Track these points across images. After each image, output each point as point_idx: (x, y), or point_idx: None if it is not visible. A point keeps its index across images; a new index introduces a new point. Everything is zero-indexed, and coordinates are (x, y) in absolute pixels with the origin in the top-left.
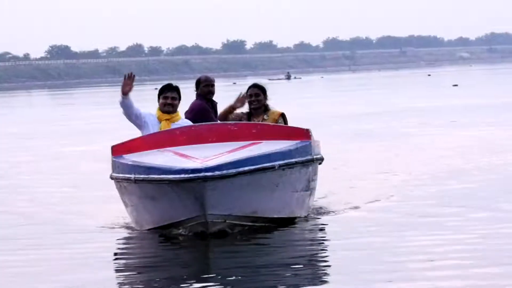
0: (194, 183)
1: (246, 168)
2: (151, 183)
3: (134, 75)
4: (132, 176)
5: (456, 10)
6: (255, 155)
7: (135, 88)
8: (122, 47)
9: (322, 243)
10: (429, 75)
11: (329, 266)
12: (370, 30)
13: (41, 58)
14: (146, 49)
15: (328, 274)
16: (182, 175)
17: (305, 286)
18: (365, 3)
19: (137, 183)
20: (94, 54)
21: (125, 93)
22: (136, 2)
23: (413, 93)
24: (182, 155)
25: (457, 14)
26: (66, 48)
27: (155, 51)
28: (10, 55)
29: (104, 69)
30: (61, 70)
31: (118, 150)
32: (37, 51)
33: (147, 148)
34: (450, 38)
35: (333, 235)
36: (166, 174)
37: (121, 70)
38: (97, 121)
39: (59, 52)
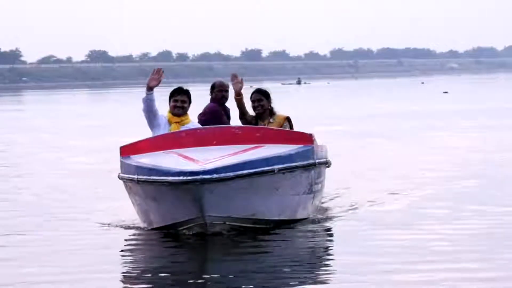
0: (192, 185)
1: (244, 172)
2: (152, 184)
3: (162, 71)
4: (135, 177)
5: (447, 26)
6: (254, 159)
7: (164, 90)
8: (153, 53)
9: (324, 243)
10: (422, 83)
11: (331, 266)
12: (371, 42)
13: (82, 61)
14: (174, 55)
15: (331, 274)
16: (180, 177)
17: (307, 285)
18: (367, 19)
19: (140, 184)
20: (129, 58)
21: (150, 87)
22: (166, 13)
23: (409, 97)
24: (185, 157)
25: (448, 30)
26: (104, 53)
27: (182, 57)
28: (55, 58)
29: (137, 72)
30: (99, 72)
31: (126, 150)
32: (78, 55)
33: (153, 150)
34: (442, 51)
35: (336, 236)
36: (165, 175)
37: None
38: (128, 117)
39: (98, 56)
